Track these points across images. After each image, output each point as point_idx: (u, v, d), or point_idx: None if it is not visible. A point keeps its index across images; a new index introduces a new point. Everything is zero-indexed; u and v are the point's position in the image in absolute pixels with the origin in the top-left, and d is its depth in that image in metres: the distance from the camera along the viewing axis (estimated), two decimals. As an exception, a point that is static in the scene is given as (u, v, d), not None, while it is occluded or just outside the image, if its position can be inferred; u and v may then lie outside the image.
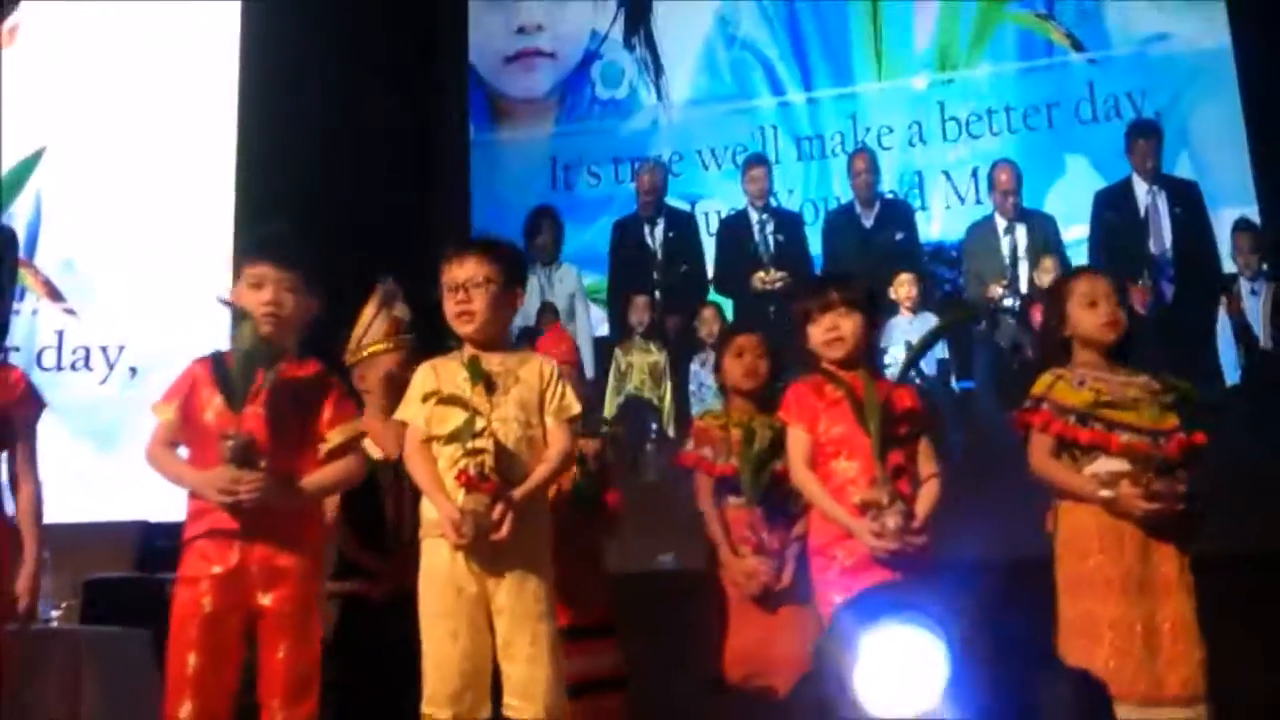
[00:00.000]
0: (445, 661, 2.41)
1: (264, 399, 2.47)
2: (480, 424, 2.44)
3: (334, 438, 2.54)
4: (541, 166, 5.76)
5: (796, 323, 2.82)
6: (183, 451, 2.55)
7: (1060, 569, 2.66)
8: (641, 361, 5.42)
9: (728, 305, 5.39)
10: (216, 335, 4.93)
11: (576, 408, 2.62)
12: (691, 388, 5.28)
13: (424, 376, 2.57)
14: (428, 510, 2.51)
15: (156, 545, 4.23)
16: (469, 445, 2.42)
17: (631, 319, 5.44)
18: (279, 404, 2.48)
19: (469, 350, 2.58)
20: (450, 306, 2.56)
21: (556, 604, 2.54)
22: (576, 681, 2.75)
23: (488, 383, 2.51)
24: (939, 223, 5.25)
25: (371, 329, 3.02)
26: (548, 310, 5.49)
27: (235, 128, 5.41)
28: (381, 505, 2.87)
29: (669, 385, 5.33)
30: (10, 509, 2.68)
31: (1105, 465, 2.62)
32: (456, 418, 2.47)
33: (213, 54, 5.49)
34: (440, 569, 2.46)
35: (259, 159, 5.36)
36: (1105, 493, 2.58)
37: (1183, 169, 4.94)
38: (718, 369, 3.30)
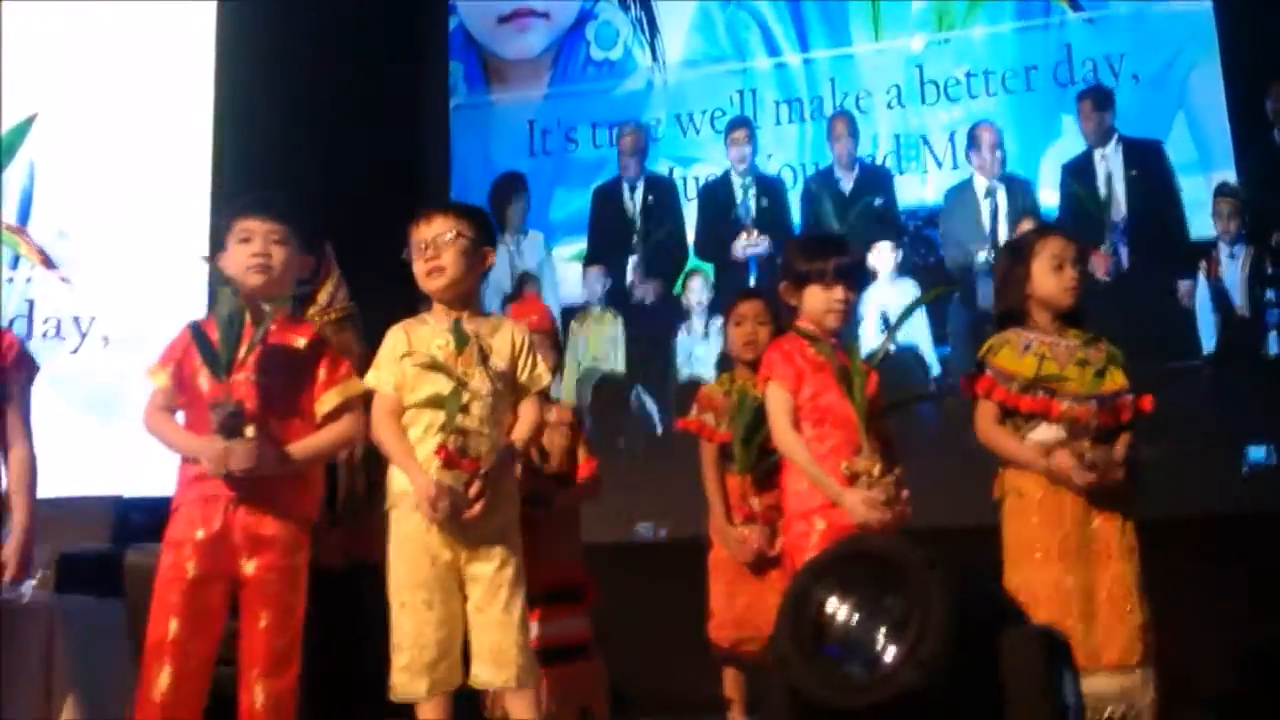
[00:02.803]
0: (423, 631, 2.42)
1: (253, 365, 2.45)
2: (466, 396, 2.43)
3: (329, 400, 2.52)
4: (533, 129, 5.68)
5: (791, 281, 2.77)
6: (180, 417, 2.55)
7: (1004, 536, 2.68)
8: (598, 332, 5.40)
9: (710, 270, 5.35)
10: (192, 306, 4.94)
11: (547, 379, 2.63)
12: (679, 358, 5.26)
13: (395, 340, 2.55)
14: (397, 480, 2.50)
15: (131, 520, 4.22)
16: (455, 420, 2.40)
17: (586, 290, 5.41)
18: (270, 369, 2.47)
19: (451, 312, 2.55)
20: (419, 265, 2.54)
21: (530, 570, 2.55)
22: (547, 646, 2.78)
23: (474, 349, 2.49)
24: (933, 185, 5.19)
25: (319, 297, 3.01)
26: (528, 279, 5.46)
27: (212, 92, 5.36)
28: (345, 476, 2.85)
29: (623, 354, 5.30)
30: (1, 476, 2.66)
31: (1046, 433, 2.64)
32: (432, 384, 2.45)
33: (190, 17, 5.43)
34: (413, 538, 2.46)
35: (236, 126, 5.32)
36: (1045, 461, 2.59)
37: (1178, 131, 4.86)
38: (725, 336, 3.32)
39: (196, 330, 2.47)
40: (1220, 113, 4.78)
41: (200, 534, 2.42)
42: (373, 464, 2.78)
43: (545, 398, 2.74)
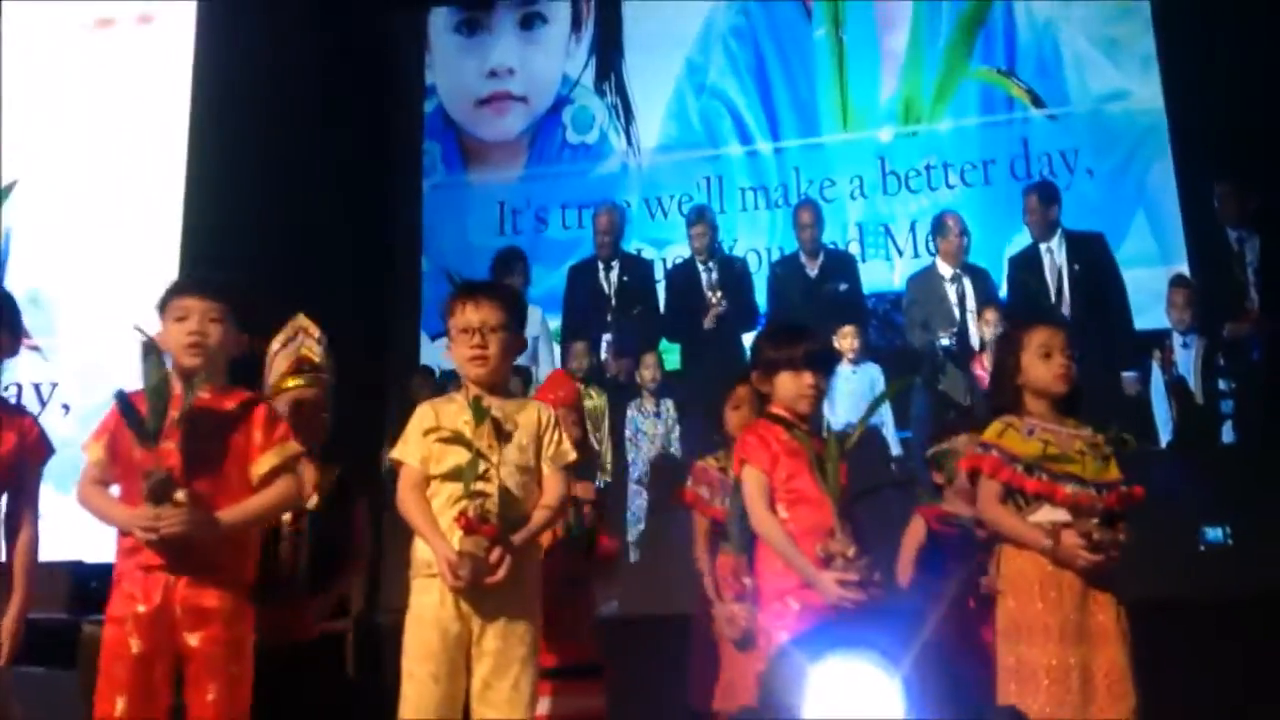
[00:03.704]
0: (426, 706, 2.43)
1: (181, 432, 2.45)
2: (483, 466, 2.46)
3: (265, 462, 2.52)
4: (510, 208, 5.79)
5: (762, 370, 2.83)
6: (117, 489, 2.54)
7: (1000, 613, 2.71)
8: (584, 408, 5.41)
9: (675, 351, 5.42)
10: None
11: (572, 455, 2.67)
12: (627, 433, 5.31)
13: (423, 416, 2.59)
14: (420, 550, 2.53)
15: (89, 587, 4.16)
16: (472, 487, 2.44)
17: (571, 365, 5.46)
18: (199, 436, 2.46)
19: (473, 390, 2.60)
20: (463, 350, 2.60)
21: (544, 644, 2.58)
22: (561, 720, 2.76)
23: (494, 424, 2.53)
24: (900, 273, 5.32)
25: (275, 365, 3.00)
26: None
27: (184, 164, 5.40)
28: (275, 551, 2.80)
29: (606, 430, 5.33)
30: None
31: (1049, 514, 2.69)
32: (456, 457, 2.49)
33: (165, 87, 5.50)
34: (428, 610, 2.48)
35: (206, 200, 5.36)
36: (1048, 542, 2.63)
37: (1138, 226, 5.03)
38: (718, 418, 3.36)
39: (122, 401, 2.47)
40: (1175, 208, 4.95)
41: (141, 609, 2.40)
42: (330, 533, 2.78)
43: (572, 474, 2.75)
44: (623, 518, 5.12)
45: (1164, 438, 4.81)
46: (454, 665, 2.44)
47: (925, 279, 5.25)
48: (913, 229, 5.30)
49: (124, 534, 2.47)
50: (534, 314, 5.56)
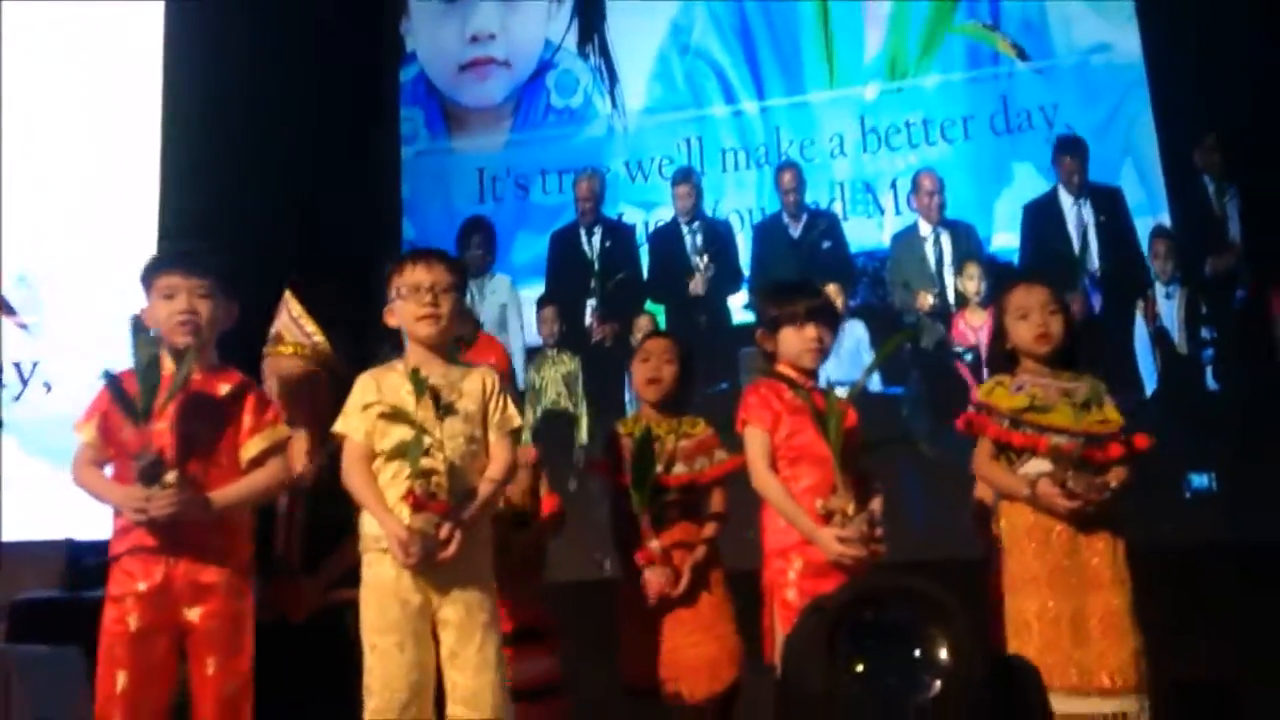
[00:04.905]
0: (394, 674, 2.43)
1: (174, 412, 2.45)
2: (427, 442, 2.45)
3: (254, 445, 2.53)
4: (493, 175, 5.74)
5: (765, 327, 2.84)
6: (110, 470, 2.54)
7: (1004, 567, 2.75)
8: (554, 374, 5.43)
9: (660, 313, 5.42)
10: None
11: (518, 420, 2.66)
12: (629, 395, 5.31)
13: (364, 387, 2.57)
14: (368, 525, 2.52)
15: (83, 563, 4.15)
16: (418, 465, 2.43)
17: (541, 332, 5.46)
18: (191, 417, 2.47)
19: (411, 360, 2.58)
20: (413, 308, 2.57)
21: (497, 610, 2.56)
22: (516, 687, 2.77)
23: (434, 397, 2.52)
24: (888, 231, 5.32)
25: (272, 332, 2.98)
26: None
27: (160, 138, 5.34)
28: (270, 527, 2.81)
29: (581, 394, 5.33)
30: None
31: (1035, 466, 2.72)
32: (400, 432, 2.48)
33: (139, 60, 5.43)
34: (384, 583, 2.47)
35: (182, 169, 5.31)
36: (1027, 491, 2.67)
37: (1127, 178, 5.06)
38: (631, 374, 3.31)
39: (111, 381, 2.47)
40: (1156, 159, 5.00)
41: (141, 586, 2.42)
42: (327, 510, 2.77)
43: (516, 439, 2.75)
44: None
45: (1149, 387, 4.87)
46: (418, 634, 2.45)
47: (906, 238, 5.27)
48: (893, 186, 5.31)
49: (118, 514, 2.48)
50: (503, 282, 5.57)
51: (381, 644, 2.44)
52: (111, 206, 5.26)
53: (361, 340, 3.06)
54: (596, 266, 5.55)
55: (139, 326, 2.48)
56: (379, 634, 2.45)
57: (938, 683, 1.46)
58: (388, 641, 2.43)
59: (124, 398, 2.42)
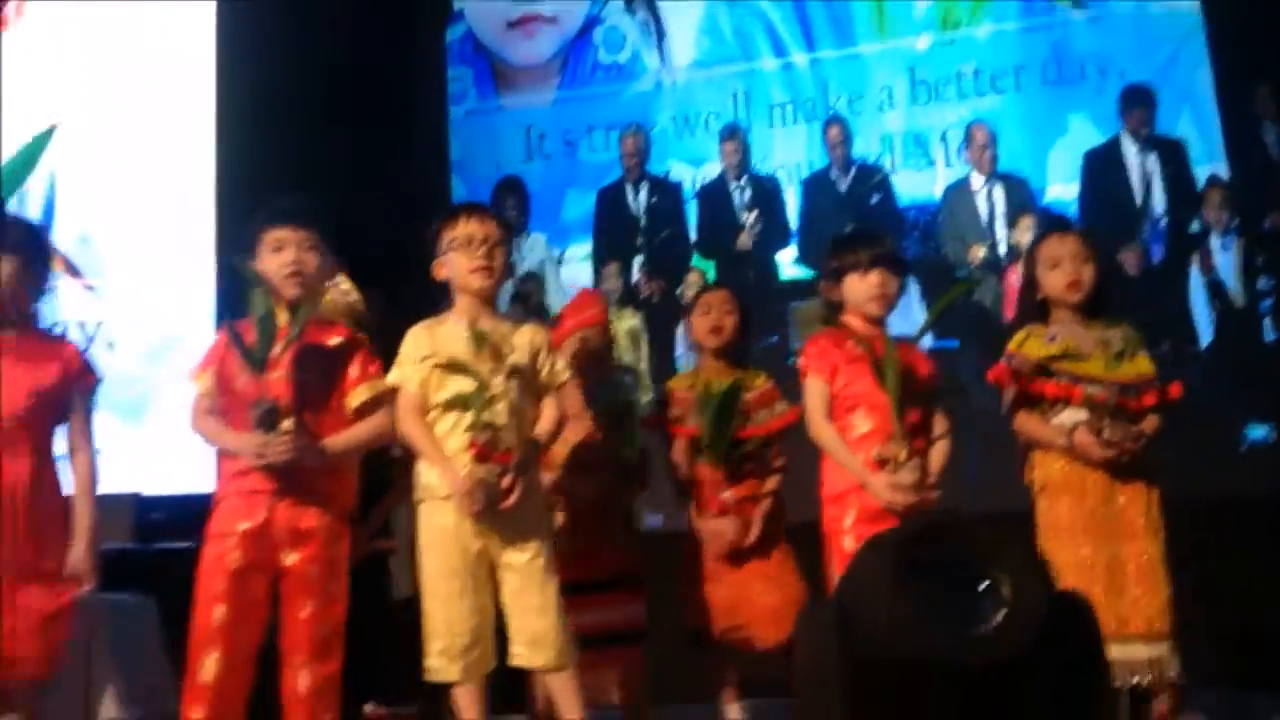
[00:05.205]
0: (456, 618, 2.49)
1: (288, 362, 2.52)
2: (488, 394, 2.50)
3: (358, 396, 2.60)
4: (542, 133, 5.74)
5: (830, 278, 2.85)
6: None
7: (1038, 516, 2.76)
8: (617, 329, 5.44)
9: (709, 269, 5.42)
10: (199, 309, 4.99)
11: (565, 375, 2.71)
12: (679, 351, 5.33)
13: (416, 339, 2.62)
14: (425, 474, 2.57)
15: (151, 516, 4.26)
16: (480, 417, 2.48)
17: (604, 286, 5.46)
18: (304, 367, 2.55)
19: (466, 316, 2.62)
20: (465, 261, 2.61)
21: (584, 558, 2.72)
22: (598, 633, 2.82)
23: (493, 350, 2.56)
24: (941, 185, 5.27)
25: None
26: (530, 278, 5.52)
27: (214, 100, 5.40)
28: None
29: (646, 350, 5.35)
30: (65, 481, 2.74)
31: (1070, 416, 2.73)
32: (457, 384, 2.53)
33: (193, 25, 5.48)
34: (444, 531, 2.53)
35: (236, 132, 5.36)
36: (1064, 441, 2.67)
37: (1185, 127, 4.98)
38: (688, 328, 3.33)
39: (232, 330, 2.55)
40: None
41: (244, 525, 2.50)
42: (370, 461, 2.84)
43: (567, 394, 2.79)
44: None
45: (1205, 339, 4.81)
46: (478, 579, 2.51)
47: (959, 191, 5.22)
48: (943, 139, 5.26)
49: (226, 457, 2.55)
50: (538, 240, 5.58)
51: (444, 590, 2.50)
52: (165, 168, 5.33)
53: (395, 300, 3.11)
54: (643, 223, 5.56)
55: (255, 278, 2.55)
56: (441, 579, 2.51)
57: (1000, 613, 1.49)
58: (449, 587, 2.50)
59: (244, 347, 2.49)
